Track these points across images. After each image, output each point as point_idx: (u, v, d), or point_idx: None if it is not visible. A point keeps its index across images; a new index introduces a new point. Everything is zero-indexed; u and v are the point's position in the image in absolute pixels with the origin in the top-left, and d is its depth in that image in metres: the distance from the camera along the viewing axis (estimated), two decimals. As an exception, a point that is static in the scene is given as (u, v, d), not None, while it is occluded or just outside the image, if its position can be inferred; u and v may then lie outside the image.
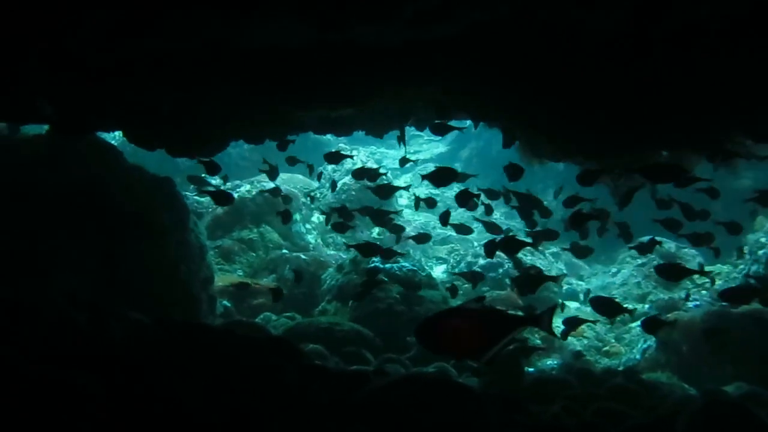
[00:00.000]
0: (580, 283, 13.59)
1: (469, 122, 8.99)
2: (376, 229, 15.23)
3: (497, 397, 4.43)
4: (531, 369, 8.21)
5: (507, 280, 12.32)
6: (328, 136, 18.72)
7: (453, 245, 14.99)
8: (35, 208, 7.77)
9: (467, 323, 3.07)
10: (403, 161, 11.21)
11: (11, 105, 5.03)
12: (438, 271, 13.51)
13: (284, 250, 12.89)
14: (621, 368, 8.41)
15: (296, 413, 3.58)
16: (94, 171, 8.90)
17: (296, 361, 4.30)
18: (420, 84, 5.33)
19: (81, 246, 8.59)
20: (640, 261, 13.60)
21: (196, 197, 14.76)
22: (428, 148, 22.21)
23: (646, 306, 11.61)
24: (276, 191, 11.25)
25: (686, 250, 12.55)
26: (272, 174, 10.45)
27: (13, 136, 8.61)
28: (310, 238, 14.24)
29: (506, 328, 3.16)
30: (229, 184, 15.40)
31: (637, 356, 9.22)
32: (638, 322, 10.51)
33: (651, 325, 6.79)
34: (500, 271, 12.59)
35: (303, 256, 12.40)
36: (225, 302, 10.85)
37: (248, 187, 14.01)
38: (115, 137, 14.10)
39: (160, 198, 10.01)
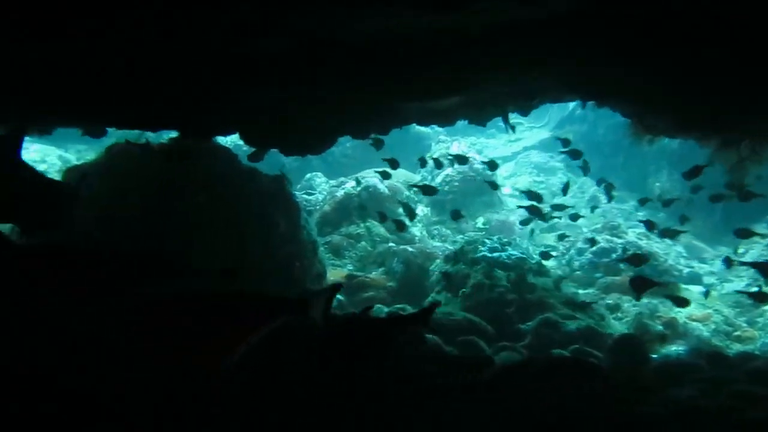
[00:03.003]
0: (703, 265, 12.85)
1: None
2: (481, 219, 15.14)
3: (625, 378, 4.32)
4: (654, 356, 7.88)
5: (621, 266, 11.86)
6: (428, 129, 18.77)
7: (562, 232, 14.60)
8: (167, 211, 8.38)
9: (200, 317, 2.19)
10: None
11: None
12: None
13: (391, 243, 13.09)
14: (757, 353, 7.88)
15: (422, 394, 3.65)
16: (215, 173, 9.53)
17: (416, 345, 4.40)
18: (530, 66, 5.24)
19: (207, 246, 9.17)
20: (769, 241, 12.69)
21: (304, 195, 15.29)
22: (531, 135, 21.76)
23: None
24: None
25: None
26: (393, 165, 10.84)
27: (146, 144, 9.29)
28: (416, 230, 14.34)
29: (258, 320, 2.30)
30: (333, 182, 15.84)
31: (774, 340, 8.63)
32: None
33: None
34: (613, 256, 12.14)
35: (410, 249, 12.53)
36: (338, 295, 11.17)
37: (353, 183, 14.31)
38: (226, 142, 14.85)
39: (274, 197, 10.49)
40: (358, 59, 4.72)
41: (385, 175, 11.23)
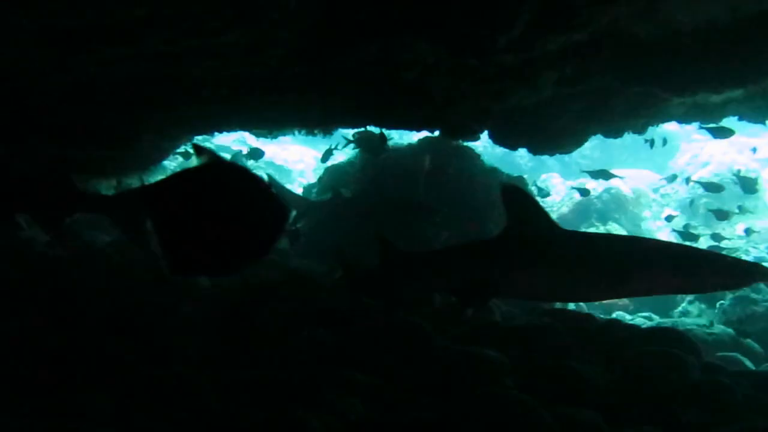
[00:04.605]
0: None
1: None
2: (741, 225, 13.59)
3: None
4: None
5: None
6: (678, 127, 17.28)
7: None
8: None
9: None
10: None
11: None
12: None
13: (634, 249, 12.36)
14: None
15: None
16: (459, 170, 9.96)
17: (696, 354, 4.14)
18: None
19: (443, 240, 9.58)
20: None
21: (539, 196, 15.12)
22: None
23: None
24: None
25: None
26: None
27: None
28: (662, 236, 13.38)
29: None
30: (572, 182, 15.43)
31: None
32: None
33: None
34: None
35: (656, 255, 11.70)
36: (576, 301, 10.84)
37: (594, 184, 13.81)
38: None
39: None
40: (641, 51, 4.55)
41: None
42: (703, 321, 9.13)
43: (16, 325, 4.05)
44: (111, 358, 3.81)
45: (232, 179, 1.93)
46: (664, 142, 8.46)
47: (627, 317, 10.32)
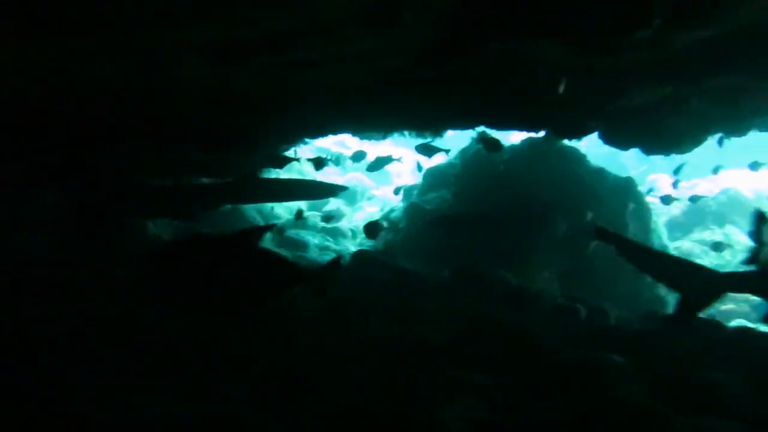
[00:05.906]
0: None
1: None
2: None
3: None
4: None
5: None
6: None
7: None
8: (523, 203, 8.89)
9: None
10: None
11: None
12: None
13: (757, 254, 11.57)
14: None
15: None
16: (565, 170, 9.78)
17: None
18: None
19: (550, 243, 9.39)
20: None
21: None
22: None
23: None
24: None
25: None
26: None
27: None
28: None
29: None
30: (686, 183, 14.67)
31: None
32: None
33: None
34: None
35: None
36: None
37: (708, 186, 13.10)
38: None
39: (623, 198, 10.21)
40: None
41: None
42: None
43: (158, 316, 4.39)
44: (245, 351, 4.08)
45: None
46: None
47: (747, 324, 9.71)
